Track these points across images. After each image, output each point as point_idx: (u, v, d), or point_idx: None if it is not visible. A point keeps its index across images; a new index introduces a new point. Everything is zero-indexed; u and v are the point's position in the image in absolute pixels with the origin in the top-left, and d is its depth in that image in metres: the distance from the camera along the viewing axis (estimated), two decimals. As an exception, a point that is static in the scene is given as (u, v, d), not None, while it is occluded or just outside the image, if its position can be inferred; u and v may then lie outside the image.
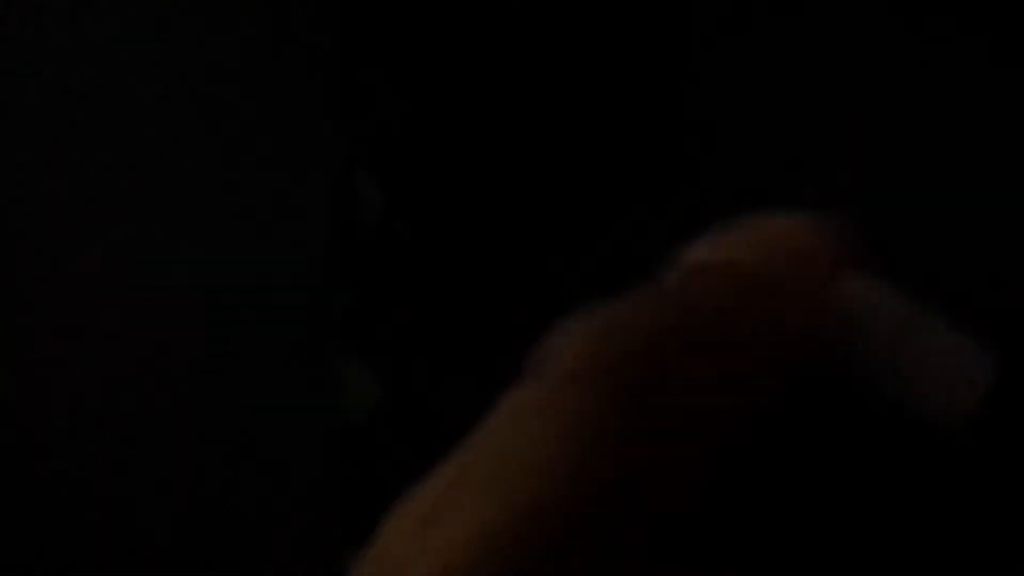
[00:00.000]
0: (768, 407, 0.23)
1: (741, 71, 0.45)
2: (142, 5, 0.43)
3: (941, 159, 0.44)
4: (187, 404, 0.43)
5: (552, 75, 0.45)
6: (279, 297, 0.44)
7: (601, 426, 0.21)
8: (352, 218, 0.44)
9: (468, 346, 0.45)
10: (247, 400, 0.43)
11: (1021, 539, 0.25)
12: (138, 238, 0.43)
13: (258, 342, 0.43)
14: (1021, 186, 0.43)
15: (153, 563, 0.42)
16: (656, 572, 0.22)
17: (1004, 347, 0.26)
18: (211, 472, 0.43)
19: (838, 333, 0.24)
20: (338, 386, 0.44)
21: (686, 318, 0.23)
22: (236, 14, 0.43)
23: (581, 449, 0.21)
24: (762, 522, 0.24)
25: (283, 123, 0.44)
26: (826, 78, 0.45)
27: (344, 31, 0.44)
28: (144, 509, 0.42)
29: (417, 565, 0.21)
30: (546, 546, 0.21)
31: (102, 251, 0.42)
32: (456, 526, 0.21)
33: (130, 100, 0.43)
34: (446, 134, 0.45)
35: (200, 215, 0.43)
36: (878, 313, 0.25)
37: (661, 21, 0.45)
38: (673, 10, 0.46)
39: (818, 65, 0.45)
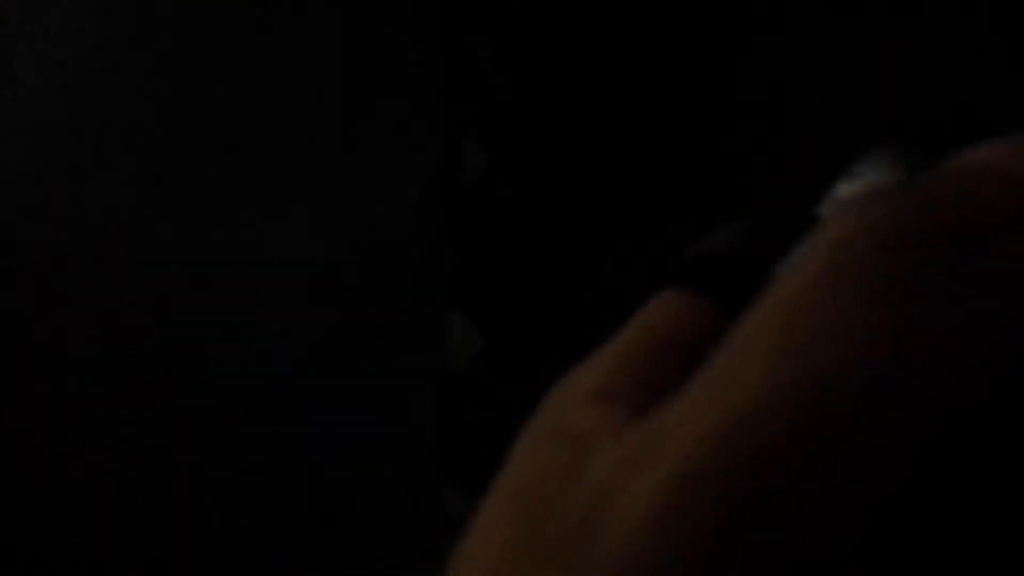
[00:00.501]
0: None
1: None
2: None
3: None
4: (306, 349, 0.46)
5: (639, 48, 0.48)
6: (391, 251, 0.47)
7: (907, 296, 0.20)
8: (458, 178, 0.47)
9: (564, 300, 0.47)
10: (360, 347, 0.46)
11: None
12: (266, 198, 0.46)
13: (372, 293, 0.46)
14: None
15: (268, 495, 0.45)
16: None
17: None
18: (323, 414, 0.46)
19: None
20: (443, 335, 0.47)
21: (974, 207, 0.21)
22: (361, 6, 0.46)
23: (888, 312, 0.20)
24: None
25: (395, 92, 0.47)
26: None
27: (448, 6, 0.47)
28: (259, 445, 0.45)
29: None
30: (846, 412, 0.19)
31: (231, 209, 0.45)
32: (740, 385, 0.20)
33: (252, 75, 0.46)
34: (545, 101, 0.48)
35: (322, 177, 0.46)
36: None
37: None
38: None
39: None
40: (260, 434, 0.45)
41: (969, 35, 0.46)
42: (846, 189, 0.24)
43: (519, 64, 0.47)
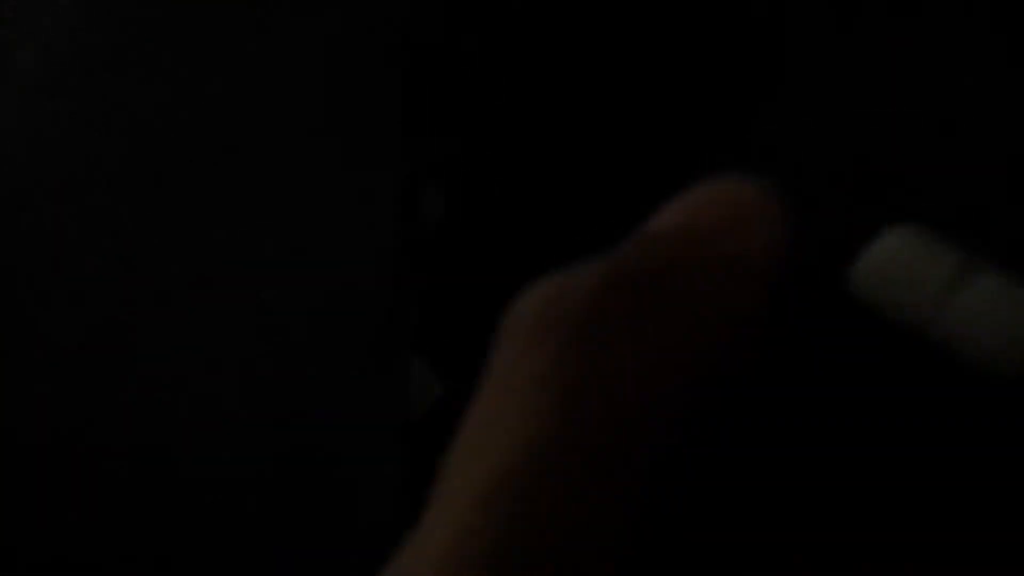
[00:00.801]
0: (729, 361, 0.24)
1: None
2: (236, 30, 0.48)
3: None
4: (261, 397, 0.48)
5: (598, 101, 0.45)
6: (349, 298, 0.48)
7: (559, 385, 0.22)
8: (416, 225, 0.47)
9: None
10: (319, 394, 0.48)
11: None
12: (220, 244, 0.48)
13: (328, 339, 0.48)
14: None
15: (216, 548, 0.47)
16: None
17: None
18: (279, 459, 0.48)
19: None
20: (403, 381, 0.47)
21: (630, 279, 0.24)
22: (312, 44, 0.48)
23: (546, 409, 0.22)
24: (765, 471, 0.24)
25: (355, 143, 0.48)
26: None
27: (411, 57, 0.47)
28: (212, 495, 0.48)
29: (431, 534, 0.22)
30: (526, 508, 0.21)
31: (184, 255, 0.48)
32: (452, 497, 0.22)
33: (217, 116, 0.48)
34: (500, 151, 0.47)
35: (280, 223, 0.48)
36: (925, 265, 0.26)
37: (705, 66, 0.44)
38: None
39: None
40: (221, 476, 0.48)
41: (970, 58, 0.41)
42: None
43: (474, 121, 0.47)
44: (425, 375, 0.47)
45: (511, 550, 0.21)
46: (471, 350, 0.47)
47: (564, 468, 0.21)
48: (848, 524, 0.23)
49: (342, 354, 0.47)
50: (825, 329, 0.24)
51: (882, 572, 0.23)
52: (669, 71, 0.45)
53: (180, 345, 0.48)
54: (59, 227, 0.49)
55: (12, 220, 0.50)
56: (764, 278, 0.24)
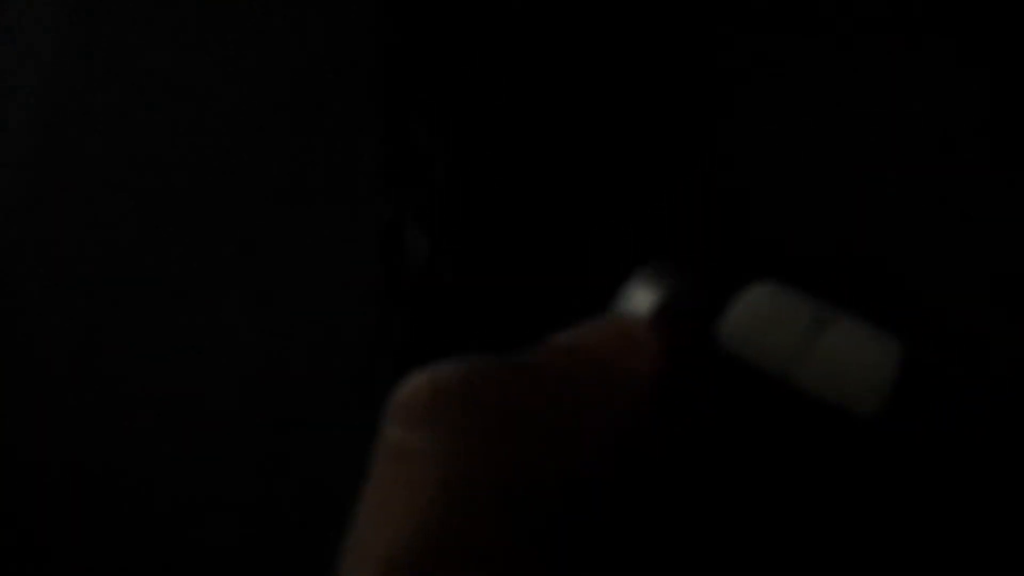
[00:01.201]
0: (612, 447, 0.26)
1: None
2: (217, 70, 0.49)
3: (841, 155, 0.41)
4: (245, 433, 0.49)
5: (580, 137, 0.46)
6: (335, 335, 0.48)
7: (459, 465, 0.24)
8: (400, 263, 0.48)
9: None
10: (301, 431, 0.48)
11: (934, 516, 0.26)
12: (209, 280, 0.49)
13: (312, 377, 0.48)
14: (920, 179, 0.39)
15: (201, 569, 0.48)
16: None
17: (907, 336, 0.28)
18: (267, 488, 0.48)
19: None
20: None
21: (519, 375, 0.26)
22: (297, 83, 0.49)
23: (446, 487, 0.24)
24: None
25: (340, 182, 0.49)
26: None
27: (390, 102, 0.48)
28: (195, 521, 0.48)
29: None
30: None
31: (170, 293, 0.49)
32: None
33: (200, 156, 0.49)
34: (482, 190, 0.48)
35: (263, 263, 0.49)
36: (783, 318, 0.28)
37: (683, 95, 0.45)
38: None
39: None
40: (207, 517, 0.48)
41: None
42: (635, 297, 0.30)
43: (457, 162, 0.48)
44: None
45: None
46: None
47: (449, 553, 0.23)
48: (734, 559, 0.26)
49: (326, 391, 0.48)
50: (702, 383, 0.27)
51: None
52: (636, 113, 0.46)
53: (163, 383, 0.49)
54: (47, 262, 0.50)
55: (5, 231, 0.51)
56: (638, 394, 0.26)
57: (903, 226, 0.42)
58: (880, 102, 0.43)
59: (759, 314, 0.28)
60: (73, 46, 0.51)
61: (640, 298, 0.30)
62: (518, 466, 0.24)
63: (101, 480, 0.48)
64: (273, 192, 0.49)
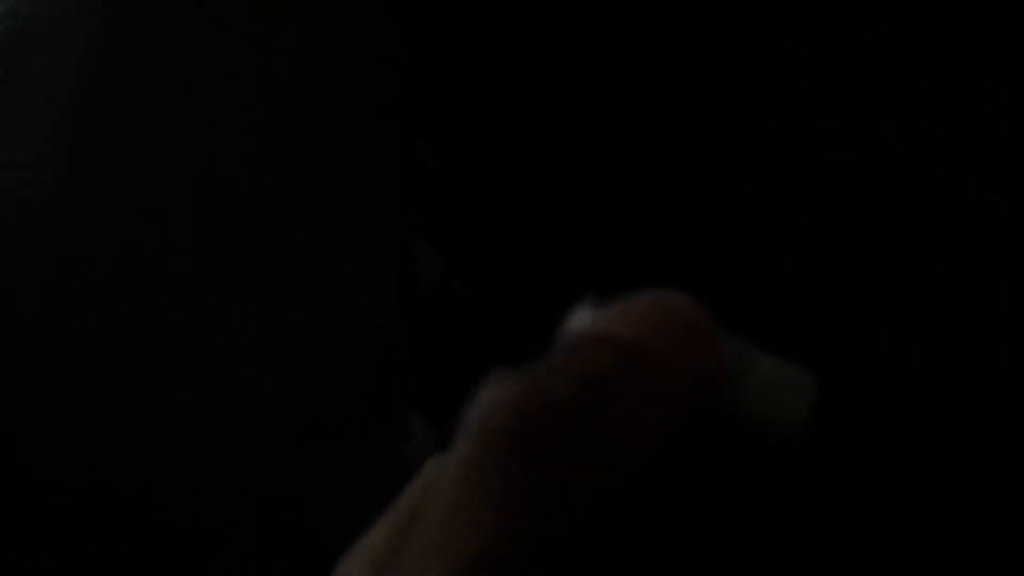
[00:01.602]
0: (660, 455, 0.27)
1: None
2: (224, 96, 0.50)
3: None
4: (259, 454, 0.49)
5: (586, 151, 0.47)
6: (349, 352, 0.48)
7: (517, 488, 0.25)
8: (414, 283, 0.48)
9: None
10: (319, 444, 0.48)
11: (856, 530, 0.29)
12: (222, 296, 0.49)
13: (330, 392, 0.48)
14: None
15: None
16: None
17: (821, 368, 0.30)
18: (282, 503, 0.48)
19: (710, 391, 0.28)
20: (401, 436, 0.48)
21: (579, 388, 0.27)
22: (310, 103, 0.49)
23: (504, 509, 0.25)
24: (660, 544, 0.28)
25: (353, 201, 0.49)
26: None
27: (403, 122, 0.49)
28: (218, 555, 0.48)
29: None
30: None
31: (183, 307, 0.49)
32: None
33: (217, 172, 0.49)
34: (495, 206, 0.48)
35: (281, 280, 0.49)
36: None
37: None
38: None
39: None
40: (218, 543, 0.48)
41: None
42: (577, 318, 0.31)
43: (469, 179, 0.48)
44: (425, 432, 0.48)
45: None
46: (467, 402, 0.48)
47: (531, 558, 0.24)
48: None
49: (341, 408, 0.48)
50: None
51: None
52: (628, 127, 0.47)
53: (176, 395, 0.49)
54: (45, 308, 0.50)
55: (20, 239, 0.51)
56: (696, 393, 0.27)
57: (901, 230, 0.42)
58: (879, 103, 0.43)
59: None
60: (96, 60, 0.51)
61: (583, 323, 0.31)
62: (585, 484, 0.25)
63: (109, 492, 0.48)
64: (286, 209, 0.49)
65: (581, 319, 0.31)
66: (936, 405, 0.39)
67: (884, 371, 0.41)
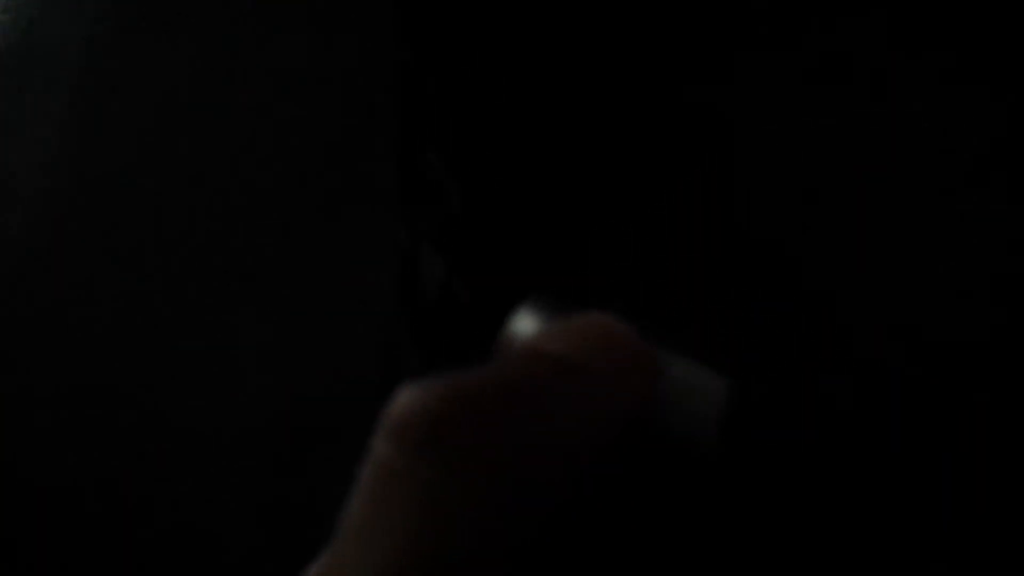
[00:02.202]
0: (594, 464, 0.27)
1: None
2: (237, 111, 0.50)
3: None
4: (267, 451, 0.49)
5: (591, 158, 0.47)
6: (355, 356, 0.49)
7: (428, 488, 0.25)
8: (417, 286, 0.49)
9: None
10: (322, 449, 0.49)
11: (774, 531, 0.28)
12: (228, 304, 0.50)
13: (334, 396, 0.49)
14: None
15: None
16: None
17: (734, 373, 0.29)
18: (283, 508, 0.49)
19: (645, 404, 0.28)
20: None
21: (504, 394, 0.27)
22: (316, 114, 0.50)
23: (435, 511, 0.25)
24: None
25: (357, 208, 0.49)
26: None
27: (406, 130, 0.49)
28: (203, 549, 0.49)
29: None
30: None
31: (190, 314, 0.50)
32: None
33: (222, 183, 0.50)
34: (497, 211, 0.48)
35: (286, 287, 0.50)
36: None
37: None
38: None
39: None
40: (221, 545, 0.49)
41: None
42: (520, 324, 0.31)
43: (471, 186, 0.49)
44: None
45: None
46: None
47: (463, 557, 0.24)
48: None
49: (344, 412, 0.49)
50: None
51: None
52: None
53: (182, 400, 0.49)
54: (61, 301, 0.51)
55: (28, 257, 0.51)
56: (630, 413, 0.27)
57: (906, 231, 0.43)
58: (879, 104, 0.43)
59: None
60: (97, 71, 0.52)
61: (525, 326, 0.31)
62: (503, 491, 0.25)
63: (115, 501, 0.49)
64: (290, 217, 0.50)
65: (523, 326, 0.31)
66: (937, 406, 0.39)
67: (886, 370, 0.41)
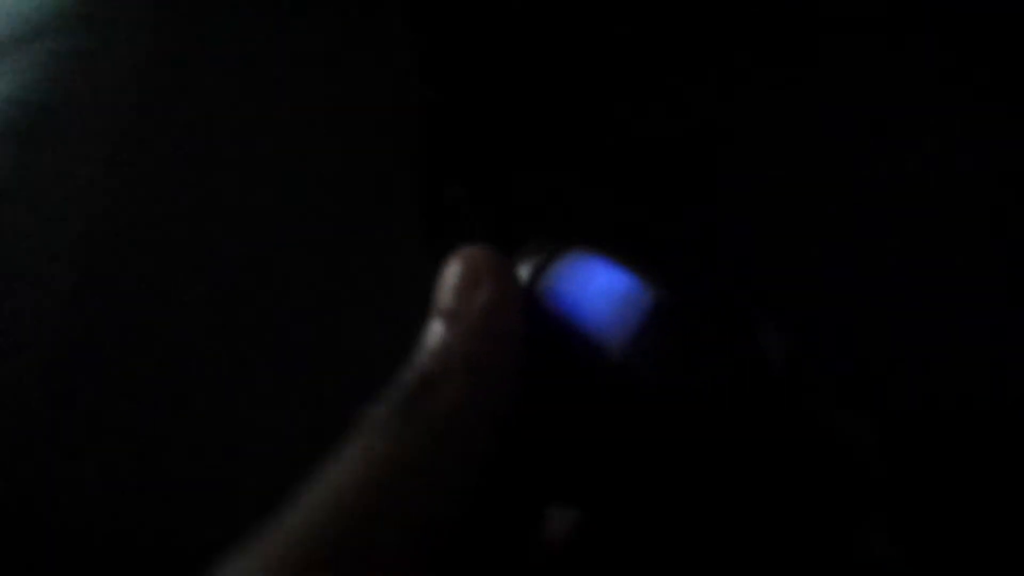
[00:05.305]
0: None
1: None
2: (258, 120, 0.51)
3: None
4: (284, 468, 0.50)
5: (609, 185, 0.48)
6: (372, 380, 0.50)
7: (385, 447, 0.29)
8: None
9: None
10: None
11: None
12: (247, 333, 0.51)
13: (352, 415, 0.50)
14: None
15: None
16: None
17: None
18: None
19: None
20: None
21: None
22: (342, 147, 0.51)
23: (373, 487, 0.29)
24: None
25: (380, 238, 0.50)
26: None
27: (429, 158, 0.50)
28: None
29: None
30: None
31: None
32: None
33: (246, 209, 0.51)
34: (517, 237, 0.50)
35: (309, 319, 0.50)
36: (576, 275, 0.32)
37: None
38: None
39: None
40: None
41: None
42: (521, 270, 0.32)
43: (492, 201, 0.50)
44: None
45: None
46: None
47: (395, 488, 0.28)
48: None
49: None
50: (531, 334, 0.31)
51: None
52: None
53: (205, 397, 0.49)
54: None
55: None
56: (505, 376, 0.29)
57: (907, 243, 0.43)
58: (878, 106, 0.44)
59: (561, 272, 0.31)
60: (148, 86, 0.52)
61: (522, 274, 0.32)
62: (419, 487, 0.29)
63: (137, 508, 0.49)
64: (315, 248, 0.50)
65: (521, 273, 0.32)
66: (944, 415, 0.39)
67: (888, 381, 0.40)
